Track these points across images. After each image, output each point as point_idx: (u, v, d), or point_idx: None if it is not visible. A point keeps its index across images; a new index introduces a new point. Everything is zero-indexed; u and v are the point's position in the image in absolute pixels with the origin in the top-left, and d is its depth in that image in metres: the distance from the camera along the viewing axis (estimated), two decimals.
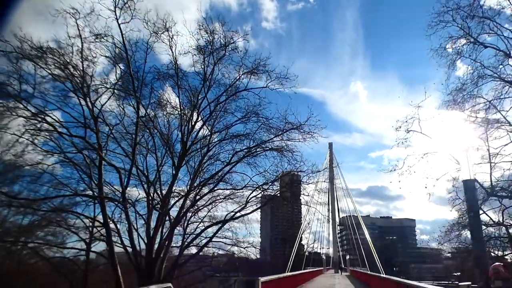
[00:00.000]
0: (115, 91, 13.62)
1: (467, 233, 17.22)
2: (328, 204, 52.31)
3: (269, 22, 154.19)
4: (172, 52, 14.81)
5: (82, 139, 12.31)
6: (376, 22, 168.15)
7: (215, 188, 17.30)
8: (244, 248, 19.00)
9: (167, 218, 16.65)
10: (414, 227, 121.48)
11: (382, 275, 21.60)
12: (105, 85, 13.27)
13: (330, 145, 53.31)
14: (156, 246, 16.14)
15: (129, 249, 16.28)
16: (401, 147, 15.66)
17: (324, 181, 46.17)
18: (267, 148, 16.75)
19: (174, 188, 18.35)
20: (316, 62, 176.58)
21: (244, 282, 10.46)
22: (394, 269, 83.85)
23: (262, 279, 9.59)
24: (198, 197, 17.30)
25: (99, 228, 18.05)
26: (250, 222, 19.37)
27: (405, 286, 10.19)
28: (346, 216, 56.23)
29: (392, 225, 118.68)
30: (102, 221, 16.26)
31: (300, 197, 22.77)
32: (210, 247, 20.05)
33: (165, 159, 18.53)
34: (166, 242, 15.41)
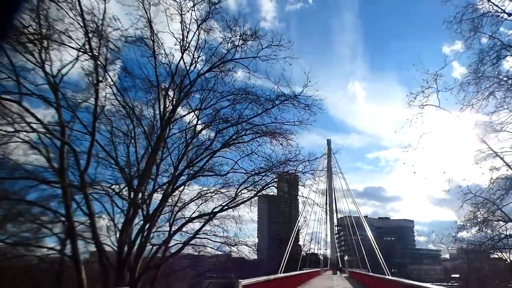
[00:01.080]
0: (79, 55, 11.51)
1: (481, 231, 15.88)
2: (326, 204, 50.58)
3: (267, 22, 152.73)
4: (146, 10, 12.59)
5: (17, 104, 10.21)
6: (375, 22, 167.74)
7: (198, 175, 15.43)
8: (233, 246, 17.31)
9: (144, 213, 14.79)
10: (412, 228, 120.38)
11: (389, 277, 19.53)
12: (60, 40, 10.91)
13: (328, 141, 51.60)
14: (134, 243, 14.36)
15: (110, 247, 14.51)
16: (412, 129, 14.21)
17: (323, 170, 44.69)
18: (259, 133, 14.96)
19: (156, 179, 16.69)
20: (315, 63, 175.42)
21: (220, 286, 8.62)
22: (392, 270, 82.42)
23: (244, 281, 7.74)
24: (179, 184, 15.45)
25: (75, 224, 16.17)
26: (242, 220, 17.61)
27: None
28: (345, 216, 54.73)
29: (390, 226, 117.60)
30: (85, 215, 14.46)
31: (298, 192, 21.18)
32: (198, 245, 18.45)
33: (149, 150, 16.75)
34: (140, 239, 13.52)
